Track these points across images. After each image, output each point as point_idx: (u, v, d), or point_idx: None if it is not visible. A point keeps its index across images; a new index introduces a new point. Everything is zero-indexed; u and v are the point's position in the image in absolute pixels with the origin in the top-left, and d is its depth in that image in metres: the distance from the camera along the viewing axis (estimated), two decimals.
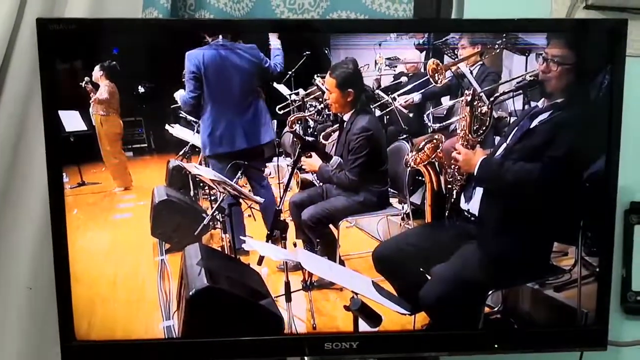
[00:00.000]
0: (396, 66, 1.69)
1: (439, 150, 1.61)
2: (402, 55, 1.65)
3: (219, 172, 1.69)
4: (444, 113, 1.72)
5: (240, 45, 1.60)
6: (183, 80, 1.64)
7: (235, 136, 1.73)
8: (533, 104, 1.57)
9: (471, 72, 1.62)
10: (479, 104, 1.54)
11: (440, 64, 1.60)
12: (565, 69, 1.47)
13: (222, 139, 1.72)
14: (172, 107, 1.67)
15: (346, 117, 1.71)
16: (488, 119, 1.54)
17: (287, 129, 1.73)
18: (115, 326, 1.58)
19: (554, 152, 1.48)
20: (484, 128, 1.54)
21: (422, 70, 1.63)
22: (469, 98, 1.53)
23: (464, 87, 1.61)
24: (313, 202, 1.76)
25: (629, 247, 1.83)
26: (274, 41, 1.56)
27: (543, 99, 1.53)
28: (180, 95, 1.67)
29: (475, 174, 1.55)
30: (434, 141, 1.62)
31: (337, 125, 1.75)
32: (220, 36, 1.56)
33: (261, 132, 1.74)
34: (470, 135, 1.54)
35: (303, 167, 1.76)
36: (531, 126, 1.52)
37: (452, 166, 1.60)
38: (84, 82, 1.53)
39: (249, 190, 1.76)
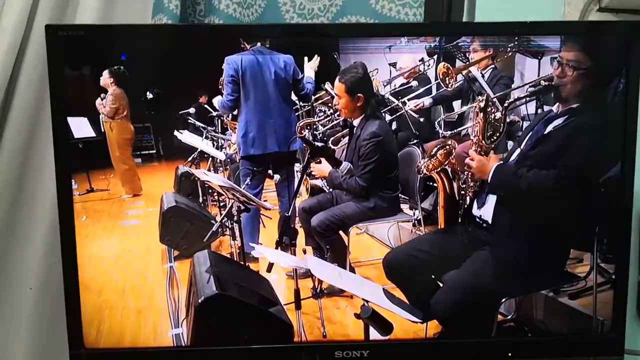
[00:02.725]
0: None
1: (451, 157, 1.59)
2: (400, 62, 1.65)
3: (246, 173, 1.73)
4: (455, 118, 1.70)
5: (278, 54, 1.63)
6: (220, 87, 1.66)
7: (268, 139, 1.73)
8: (546, 108, 1.55)
9: (483, 76, 1.60)
10: (492, 109, 1.51)
11: (451, 67, 1.58)
12: (581, 74, 1.45)
13: (254, 141, 1.73)
14: (180, 113, 1.67)
15: (356, 122, 1.70)
16: (502, 125, 1.52)
17: (296, 135, 1.72)
18: (124, 334, 1.58)
19: (569, 159, 1.45)
20: (497, 134, 1.52)
21: (424, 72, 1.62)
22: (482, 104, 1.51)
23: (476, 91, 1.60)
24: (323, 208, 1.75)
25: None
26: (309, 71, 1.62)
27: (558, 103, 1.50)
28: (218, 100, 1.70)
29: (489, 181, 1.52)
30: (447, 147, 1.60)
31: (347, 130, 1.74)
32: (259, 43, 1.59)
33: (292, 138, 1.75)
34: (483, 142, 1.52)
35: (313, 173, 1.75)
36: (546, 132, 1.50)
37: (465, 172, 1.58)
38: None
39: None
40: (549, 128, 1.50)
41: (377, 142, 1.67)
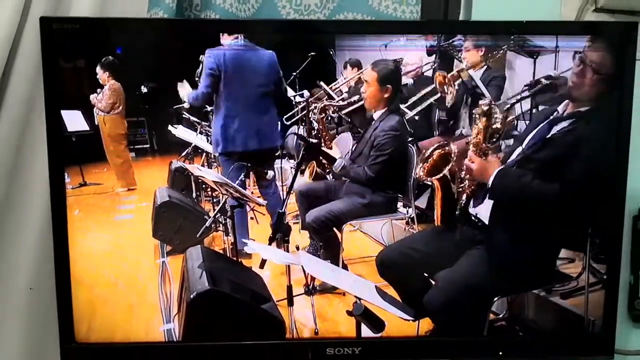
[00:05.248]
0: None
1: (450, 161, 1.57)
2: (405, 58, 1.64)
3: (228, 169, 1.72)
4: (445, 115, 1.70)
5: (261, 49, 1.62)
6: (197, 79, 1.64)
7: (248, 136, 1.73)
8: (541, 107, 1.54)
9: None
10: (495, 113, 1.50)
11: (447, 75, 1.57)
12: (600, 78, 1.44)
13: (235, 138, 1.73)
14: (175, 107, 1.67)
15: (376, 114, 1.71)
16: (502, 126, 1.51)
17: (315, 117, 1.73)
18: (115, 328, 1.57)
19: (575, 170, 1.45)
20: (497, 135, 1.51)
21: (425, 73, 1.62)
22: (485, 108, 1.50)
23: (469, 89, 1.59)
24: (318, 195, 1.76)
25: (637, 254, 1.80)
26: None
27: (566, 102, 1.49)
28: (186, 91, 1.67)
29: (489, 186, 1.51)
30: (443, 150, 1.58)
31: (342, 127, 1.74)
32: (241, 36, 1.58)
33: (272, 136, 1.75)
34: (485, 144, 1.51)
35: (323, 161, 1.75)
36: (550, 134, 1.49)
37: (465, 175, 1.57)
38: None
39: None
40: (554, 130, 1.49)
41: (394, 136, 1.68)
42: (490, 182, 1.51)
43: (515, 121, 1.60)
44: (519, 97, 1.53)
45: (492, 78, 1.59)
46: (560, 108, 1.51)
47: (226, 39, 1.58)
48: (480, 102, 1.50)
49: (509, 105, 1.52)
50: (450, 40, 1.55)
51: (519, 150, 1.54)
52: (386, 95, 1.66)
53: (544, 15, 1.73)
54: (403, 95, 1.70)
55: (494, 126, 1.49)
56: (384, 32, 1.55)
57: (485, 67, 1.60)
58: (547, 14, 1.74)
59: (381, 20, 1.75)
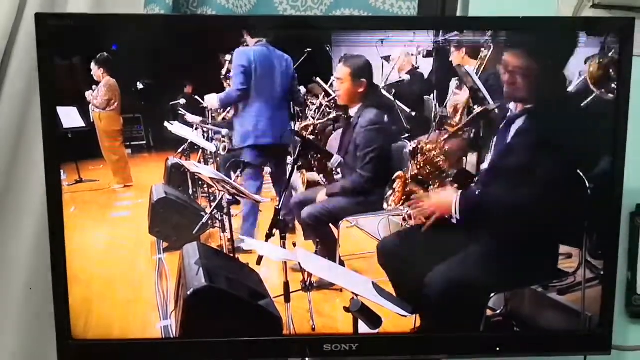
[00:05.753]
0: None
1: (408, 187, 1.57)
2: (399, 54, 1.64)
3: (255, 161, 1.74)
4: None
5: (279, 52, 1.63)
6: (221, 77, 1.64)
7: (273, 131, 1.73)
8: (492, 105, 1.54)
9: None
10: (425, 149, 1.51)
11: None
12: (529, 78, 1.44)
13: (261, 131, 1.73)
14: (171, 104, 1.66)
15: (352, 111, 1.69)
16: (443, 162, 1.51)
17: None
18: (112, 325, 1.57)
19: (545, 172, 1.45)
20: (437, 173, 1.51)
21: (418, 68, 1.61)
22: (410, 149, 1.52)
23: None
24: (313, 202, 1.75)
25: (635, 250, 1.80)
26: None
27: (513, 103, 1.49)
28: (211, 97, 1.68)
29: (457, 218, 1.50)
30: (400, 177, 1.59)
31: (339, 122, 1.73)
32: (264, 39, 1.59)
33: (287, 133, 1.75)
34: (426, 174, 1.52)
35: (313, 164, 1.75)
36: (509, 138, 1.48)
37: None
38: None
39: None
40: (512, 132, 1.48)
41: (377, 130, 1.66)
42: (456, 214, 1.51)
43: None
44: (456, 128, 1.53)
45: (488, 77, 1.59)
46: (512, 106, 1.50)
47: (250, 41, 1.59)
48: (409, 142, 1.54)
49: (446, 136, 1.51)
50: (448, 36, 1.55)
51: (488, 158, 1.54)
52: (360, 90, 1.65)
53: (541, 11, 1.73)
54: (396, 92, 1.69)
55: (435, 161, 1.49)
56: (381, 29, 1.54)
57: (481, 65, 1.59)
58: (544, 10, 1.74)
59: (378, 17, 1.76)
